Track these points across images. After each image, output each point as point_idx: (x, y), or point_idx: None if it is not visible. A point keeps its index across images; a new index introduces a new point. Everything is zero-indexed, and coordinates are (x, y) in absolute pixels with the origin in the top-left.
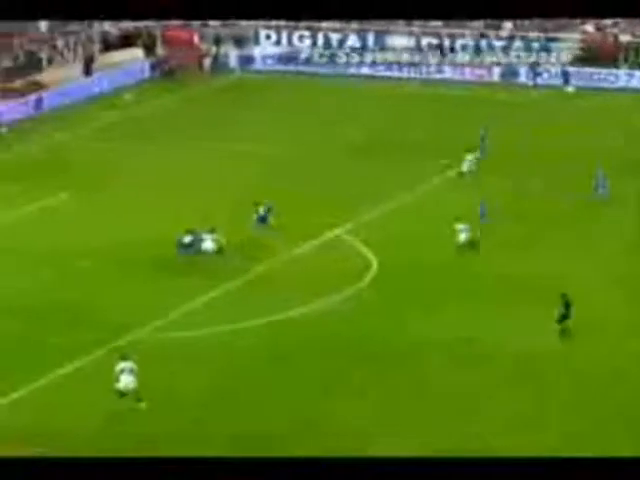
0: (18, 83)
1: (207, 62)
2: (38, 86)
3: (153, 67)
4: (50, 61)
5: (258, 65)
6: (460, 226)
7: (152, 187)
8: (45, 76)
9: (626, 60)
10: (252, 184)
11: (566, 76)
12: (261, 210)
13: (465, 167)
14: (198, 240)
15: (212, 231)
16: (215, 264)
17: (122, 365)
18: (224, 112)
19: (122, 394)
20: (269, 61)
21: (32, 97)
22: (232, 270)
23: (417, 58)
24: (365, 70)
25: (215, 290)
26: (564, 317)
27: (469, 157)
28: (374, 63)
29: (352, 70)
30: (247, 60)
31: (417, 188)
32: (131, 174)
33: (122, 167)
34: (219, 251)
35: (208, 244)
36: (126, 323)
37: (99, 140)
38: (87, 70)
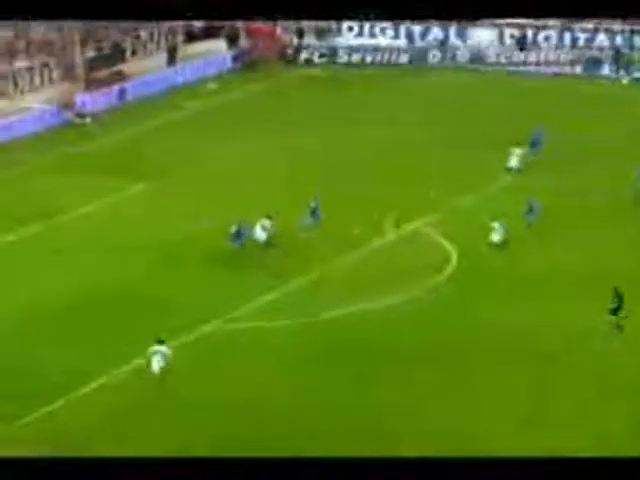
0: (102, 74)
1: (289, 54)
2: (122, 76)
3: (235, 58)
4: (134, 52)
5: (340, 57)
6: (496, 224)
7: (232, 178)
8: (129, 66)
9: None
10: (328, 177)
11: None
12: (312, 204)
13: (512, 162)
14: (246, 230)
15: (268, 218)
16: (285, 256)
17: (155, 348)
18: (305, 104)
19: (156, 377)
20: (351, 53)
21: (116, 87)
22: (306, 263)
23: (500, 50)
24: (447, 62)
25: (287, 284)
26: (616, 311)
27: (517, 152)
28: (456, 55)
29: (433, 62)
30: (328, 52)
31: (498, 180)
32: (212, 164)
33: (204, 157)
34: (269, 241)
35: (258, 233)
36: (187, 317)
37: (182, 130)
38: (170, 60)
